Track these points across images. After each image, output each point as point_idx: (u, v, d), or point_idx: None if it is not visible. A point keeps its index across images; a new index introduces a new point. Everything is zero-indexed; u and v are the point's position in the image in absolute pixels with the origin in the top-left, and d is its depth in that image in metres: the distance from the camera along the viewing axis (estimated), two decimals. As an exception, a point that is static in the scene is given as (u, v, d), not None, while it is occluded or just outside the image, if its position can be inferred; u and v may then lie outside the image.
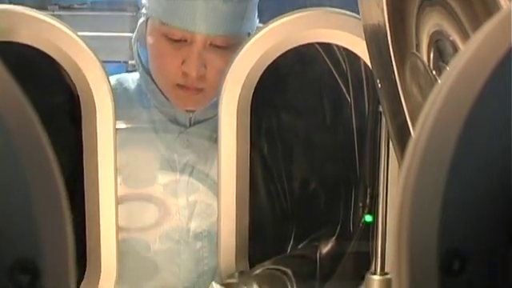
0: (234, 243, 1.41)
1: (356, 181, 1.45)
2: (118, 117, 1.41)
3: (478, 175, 0.44)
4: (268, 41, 1.35)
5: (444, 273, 0.42)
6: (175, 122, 1.48)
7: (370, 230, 1.41)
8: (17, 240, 0.40)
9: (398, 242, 0.44)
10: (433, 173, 0.44)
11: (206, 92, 1.42)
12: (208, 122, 1.46)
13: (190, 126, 1.48)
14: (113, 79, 1.52)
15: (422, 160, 0.44)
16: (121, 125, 1.44)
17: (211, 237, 1.43)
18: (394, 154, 1.24)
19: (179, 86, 1.42)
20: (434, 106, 0.47)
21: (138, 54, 1.49)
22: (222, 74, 1.38)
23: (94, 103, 1.32)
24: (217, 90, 1.41)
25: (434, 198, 0.43)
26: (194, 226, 1.45)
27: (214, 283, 1.31)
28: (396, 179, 1.29)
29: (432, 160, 0.45)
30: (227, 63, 1.37)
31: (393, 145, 1.18)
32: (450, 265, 0.42)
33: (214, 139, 1.44)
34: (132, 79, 1.52)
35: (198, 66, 1.38)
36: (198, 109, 1.47)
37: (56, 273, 0.39)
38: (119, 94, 1.48)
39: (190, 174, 1.46)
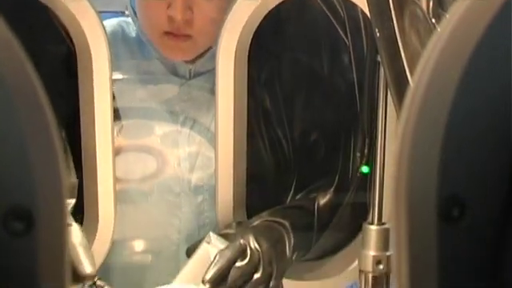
0: (232, 194, 1.41)
1: (355, 131, 1.45)
2: (117, 67, 1.41)
3: (477, 122, 0.44)
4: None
5: (443, 220, 0.42)
6: (175, 73, 1.47)
7: (367, 181, 1.41)
8: (12, 188, 0.40)
9: (397, 190, 0.43)
10: (432, 120, 0.44)
11: (195, 39, 1.40)
12: (209, 75, 1.45)
13: (191, 78, 1.46)
14: (113, 22, 1.51)
15: (421, 107, 0.44)
16: (119, 75, 1.44)
17: (212, 190, 1.43)
18: (392, 104, 1.24)
19: (166, 33, 1.39)
20: (433, 54, 0.46)
21: (131, 4, 1.47)
22: (209, 21, 1.36)
23: (90, 53, 1.31)
24: (206, 39, 1.40)
25: (432, 145, 0.42)
26: (194, 178, 1.45)
27: (211, 233, 1.31)
28: (394, 129, 1.28)
29: (431, 107, 0.44)
30: (215, 8, 1.35)
31: (391, 94, 1.18)
32: (450, 211, 0.42)
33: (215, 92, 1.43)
34: (133, 27, 1.50)
35: (183, 8, 1.35)
36: (188, 58, 1.45)
37: (50, 220, 0.39)
38: (119, 44, 1.46)
39: (191, 128, 1.45)
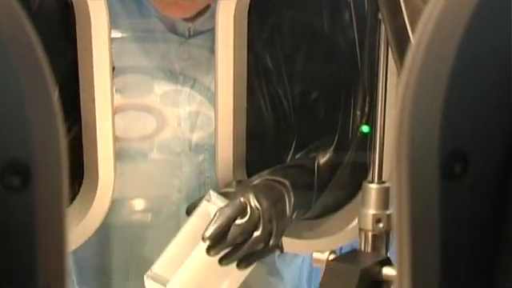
0: (232, 153, 1.41)
1: (356, 89, 1.44)
2: (115, 25, 1.39)
3: (479, 76, 0.43)
4: None
5: (445, 176, 0.42)
6: (174, 32, 1.45)
7: (367, 140, 1.40)
8: (9, 142, 0.39)
9: (398, 146, 0.43)
10: (434, 74, 0.43)
11: None
12: (209, 34, 1.43)
13: (190, 36, 1.45)
14: None
15: (424, 61, 0.43)
16: (117, 34, 1.42)
17: (213, 150, 1.43)
18: (392, 62, 1.23)
19: None
20: (436, 8, 0.45)
21: None
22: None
23: (89, 12, 1.29)
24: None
25: (435, 99, 0.42)
26: (195, 138, 1.45)
27: (211, 191, 1.31)
28: (394, 87, 1.28)
29: (433, 61, 0.44)
30: None
31: (392, 52, 1.17)
32: (452, 168, 0.42)
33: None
34: None
35: None
36: (186, 16, 1.43)
37: (48, 176, 0.39)
38: (117, 2, 1.45)
39: (192, 87, 1.44)
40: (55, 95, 0.45)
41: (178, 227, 1.35)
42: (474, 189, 0.44)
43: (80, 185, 1.42)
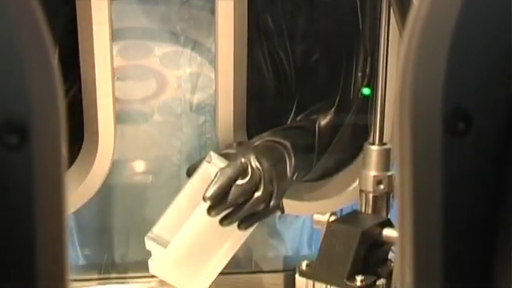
0: (232, 114, 1.41)
1: (357, 50, 1.43)
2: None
3: (483, 32, 0.43)
4: None
5: (448, 133, 0.41)
6: (175, -8, 1.44)
7: (368, 102, 1.40)
8: (6, 100, 0.39)
9: (401, 104, 0.42)
10: (437, 31, 0.42)
11: None
12: None
13: (190, -3, 1.44)
14: None
15: (427, 17, 0.42)
16: None
17: (214, 111, 1.42)
18: (394, 23, 1.22)
19: None
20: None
21: None
22: None
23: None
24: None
25: (438, 56, 0.41)
26: (196, 99, 1.44)
27: (211, 152, 1.31)
28: (396, 49, 1.27)
29: (437, 18, 0.43)
30: None
31: (393, 11, 1.16)
32: (455, 125, 0.41)
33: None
34: None
35: None
36: None
37: (46, 134, 0.38)
38: None
39: (193, 49, 1.43)
40: (54, 54, 0.44)
41: (178, 188, 1.35)
42: (477, 146, 0.44)
43: (80, 148, 1.41)
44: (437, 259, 0.44)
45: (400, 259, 0.47)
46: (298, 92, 1.49)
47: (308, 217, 1.62)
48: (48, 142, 0.39)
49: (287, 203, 1.40)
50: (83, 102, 1.37)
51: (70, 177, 1.38)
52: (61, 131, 0.38)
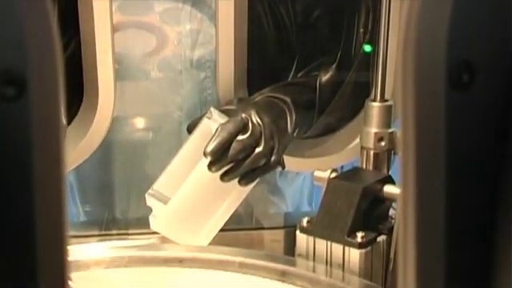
0: (233, 71, 1.40)
1: (359, 6, 1.42)
2: None
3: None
4: None
5: (452, 86, 0.41)
6: None
7: (370, 59, 1.39)
8: (3, 51, 0.38)
9: (404, 56, 0.42)
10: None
11: None
12: None
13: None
14: None
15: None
16: None
17: (214, 67, 1.41)
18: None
19: None
20: None
21: None
22: None
23: None
24: None
25: (441, 10, 0.40)
26: (196, 56, 1.43)
27: (212, 108, 1.30)
28: (398, 4, 1.26)
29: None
30: None
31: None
32: (459, 77, 0.41)
33: None
34: None
35: None
36: None
37: (43, 85, 0.38)
38: None
39: (193, 5, 1.42)
40: (52, 7, 0.43)
41: (179, 145, 1.35)
42: (481, 100, 0.43)
43: (80, 105, 1.41)
44: (440, 212, 0.43)
45: (403, 215, 0.47)
46: (299, 48, 1.47)
47: (309, 174, 1.62)
48: (46, 93, 0.38)
49: (288, 160, 1.40)
50: (83, 59, 1.36)
51: (70, 133, 1.38)
52: (59, 84, 0.38)
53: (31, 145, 0.38)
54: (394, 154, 1.35)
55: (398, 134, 1.33)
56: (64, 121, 1.37)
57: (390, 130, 1.32)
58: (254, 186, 1.33)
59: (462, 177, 0.45)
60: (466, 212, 0.45)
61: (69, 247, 0.43)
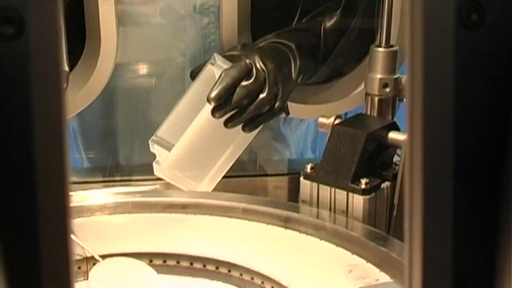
0: (236, 15, 1.38)
1: None
2: None
3: None
4: None
5: (461, 25, 0.40)
6: None
7: (375, 4, 1.37)
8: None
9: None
10: None
11: None
12: None
13: None
14: None
15: None
16: None
17: (218, 12, 1.39)
18: None
19: None
20: None
21: None
22: None
23: None
24: None
25: None
26: (200, 0, 1.41)
27: (215, 54, 1.29)
28: None
29: None
30: None
31: None
32: (469, 16, 0.40)
33: None
34: None
35: None
36: None
37: (43, 24, 0.37)
38: None
39: None
40: None
41: (182, 91, 1.34)
42: (490, 42, 0.42)
43: (83, 50, 1.40)
44: (448, 159, 0.43)
45: (409, 162, 0.46)
46: None
47: (312, 121, 1.61)
48: (45, 34, 0.37)
49: (292, 107, 1.39)
50: (84, 5, 1.35)
51: (73, 79, 1.37)
52: (58, 24, 0.37)
53: (30, 84, 0.37)
54: (399, 100, 1.34)
55: (403, 79, 1.32)
56: (66, 67, 1.36)
57: (395, 76, 1.31)
58: (258, 133, 1.32)
59: (471, 122, 0.44)
60: (474, 157, 0.44)
61: (71, 193, 0.43)
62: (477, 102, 0.43)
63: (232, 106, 1.24)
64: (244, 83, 1.25)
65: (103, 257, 1.10)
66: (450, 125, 0.43)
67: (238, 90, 1.24)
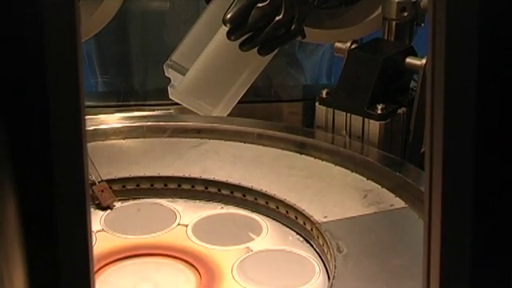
0: None
1: None
2: None
3: None
4: None
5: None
6: None
7: None
8: None
9: None
10: None
11: None
12: None
13: None
14: None
15: None
16: None
17: None
18: None
19: None
20: None
21: None
22: None
23: None
24: None
25: None
26: None
27: None
28: None
29: None
30: None
31: None
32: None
33: None
34: None
35: None
36: None
37: None
38: None
39: None
40: None
41: (197, 14, 1.32)
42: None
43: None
44: (471, 76, 0.42)
45: (431, 82, 0.45)
46: None
47: (328, 47, 1.59)
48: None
49: (308, 31, 1.37)
50: None
51: (86, 2, 1.36)
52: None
53: (42, 7, 0.36)
54: (417, 24, 1.32)
55: (422, 3, 1.30)
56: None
57: (413, 0, 1.28)
58: (273, 59, 1.31)
59: (495, 43, 0.43)
60: (497, 75, 0.43)
61: (86, 117, 0.42)
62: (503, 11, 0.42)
63: (247, 28, 1.22)
64: (260, 5, 1.22)
65: (117, 180, 1.11)
66: (474, 50, 0.42)
67: (253, 11, 1.21)
